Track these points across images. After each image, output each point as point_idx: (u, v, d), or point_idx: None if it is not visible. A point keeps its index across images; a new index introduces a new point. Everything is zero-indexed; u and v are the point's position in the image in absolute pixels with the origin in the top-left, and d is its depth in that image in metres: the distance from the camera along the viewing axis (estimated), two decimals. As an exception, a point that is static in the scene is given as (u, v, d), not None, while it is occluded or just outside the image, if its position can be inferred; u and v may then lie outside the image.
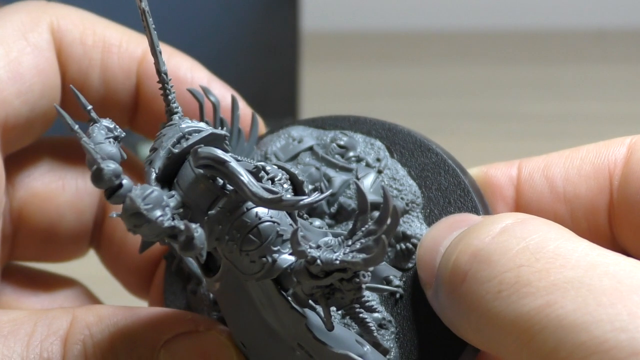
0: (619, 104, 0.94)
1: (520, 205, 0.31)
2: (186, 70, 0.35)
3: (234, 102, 0.30)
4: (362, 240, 0.23)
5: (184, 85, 0.33)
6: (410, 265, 0.29)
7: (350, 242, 0.24)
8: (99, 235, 0.38)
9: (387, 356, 0.28)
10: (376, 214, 0.31)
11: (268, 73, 0.76)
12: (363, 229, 0.24)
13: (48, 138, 0.37)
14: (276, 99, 0.79)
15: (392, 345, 0.29)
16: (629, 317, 0.21)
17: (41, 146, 0.37)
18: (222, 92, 0.34)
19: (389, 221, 0.23)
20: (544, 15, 1.22)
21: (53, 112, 0.34)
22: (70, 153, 0.37)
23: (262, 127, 0.34)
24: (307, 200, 0.24)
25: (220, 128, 0.30)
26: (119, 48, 0.35)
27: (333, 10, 1.20)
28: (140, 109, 0.35)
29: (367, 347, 0.27)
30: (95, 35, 0.35)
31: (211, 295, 0.32)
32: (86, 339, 0.29)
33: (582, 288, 0.22)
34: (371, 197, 0.30)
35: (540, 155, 0.32)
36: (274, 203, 0.24)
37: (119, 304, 0.50)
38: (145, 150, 0.72)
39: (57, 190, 0.36)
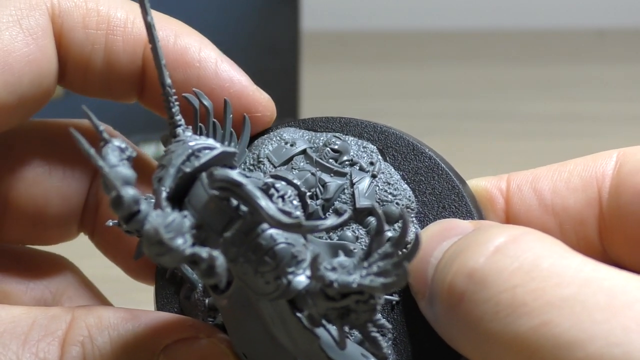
0: (619, 104, 0.94)
1: (510, 218, 0.31)
2: (194, 53, 0.34)
3: (226, 105, 0.30)
4: (380, 264, 0.23)
5: (192, 70, 0.33)
6: None
7: (366, 264, 0.23)
8: (92, 221, 0.37)
9: None
10: (371, 219, 0.31)
11: (268, 73, 0.76)
12: (380, 251, 0.23)
13: (35, 122, 0.37)
14: (276, 99, 0.78)
15: (389, 352, 0.29)
16: (622, 332, 0.22)
17: (28, 130, 0.36)
18: (230, 75, 0.33)
19: (409, 245, 0.23)
20: (544, 15, 1.22)
21: (43, 98, 0.34)
22: (58, 138, 0.36)
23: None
24: (326, 225, 0.24)
25: (213, 132, 0.30)
26: (123, 29, 0.34)
27: (333, 10, 1.20)
28: (147, 86, 0.35)
29: None
30: (99, 16, 0.34)
31: (206, 301, 0.31)
32: (85, 341, 0.29)
33: (577, 306, 0.22)
34: (365, 202, 0.30)
35: (529, 169, 0.32)
36: (294, 228, 0.24)
37: (116, 304, 0.50)
38: (146, 150, 0.72)
39: (44, 175, 0.36)
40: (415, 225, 0.30)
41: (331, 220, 0.24)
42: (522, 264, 0.24)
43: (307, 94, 0.82)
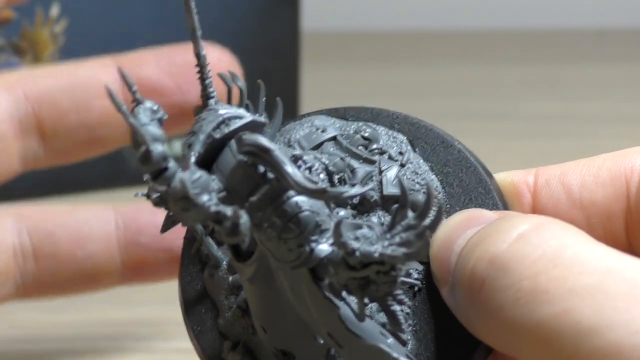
0: (619, 104, 0.94)
1: (537, 212, 0.31)
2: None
3: (260, 88, 0.30)
4: (403, 235, 0.23)
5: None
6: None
7: (389, 236, 0.24)
8: None
9: (404, 348, 0.28)
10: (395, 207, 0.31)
11: (268, 73, 0.76)
12: (403, 223, 0.24)
13: None
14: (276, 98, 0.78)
15: (409, 338, 0.29)
16: None
17: None
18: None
19: (431, 216, 0.23)
20: (544, 15, 1.22)
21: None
22: None
23: None
24: (351, 192, 0.24)
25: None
26: None
27: (333, 10, 1.20)
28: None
29: (391, 339, 0.27)
30: None
31: (230, 278, 0.32)
32: None
33: (599, 294, 0.23)
34: (393, 189, 0.30)
35: (557, 164, 0.32)
36: (318, 194, 0.24)
37: (116, 303, 0.50)
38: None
39: None
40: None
41: (356, 189, 0.25)
42: (545, 251, 0.24)
43: (307, 94, 0.82)
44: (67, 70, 0.41)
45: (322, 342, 0.28)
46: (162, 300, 0.53)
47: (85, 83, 0.40)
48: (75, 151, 0.41)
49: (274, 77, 0.76)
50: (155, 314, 0.53)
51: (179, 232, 0.34)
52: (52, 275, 0.42)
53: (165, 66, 0.42)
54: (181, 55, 0.43)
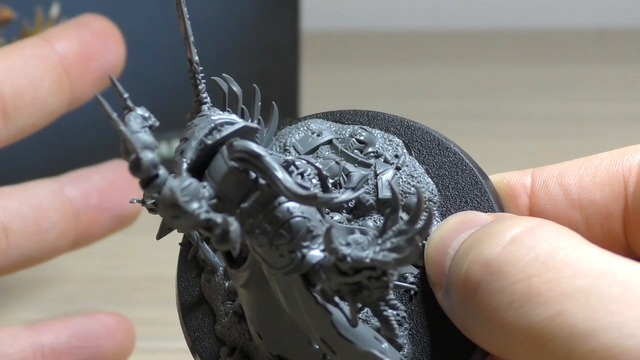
0: (619, 104, 0.94)
1: (535, 213, 0.31)
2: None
3: (255, 92, 0.30)
4: (393, 240, 0.23)
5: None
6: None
7: (380, 241, 0.24)
8: None
9: (400, 352, 0.28)
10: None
11: (268, 73, 0.76)
12: (394, 228, 0.24)
13: None
14: (276, 99, 0.78)
15: (405, 342, 0.29)
16: (636, 323, 0.22)
17: None
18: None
19: (421, 221, 0.23)
20: (544, 15, 1.22)
21: None
22: None
23: None
24: (341, 198, 0.24)
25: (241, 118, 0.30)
26: None
27: (333, 10, 1.20)
28: None
29: (385, 344, 0.27)
30: None
31: (226, 284, 0.32)
32: None
33: (592, 296, 0.23)
34: (388, 193, 0.30)
35: (554, 164, 0.32)
36: (308, 199, 0.24)
37: (116, 304, 0.50)
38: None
39: None
40: (437, 219, 0.30)
41: (346, 194, 0.25)
42: (538, 254, 0.24)
43: (307, 94, 0.82)
44: (15, 51, 0.42)
45: (317, 347, 0.28)
46: (162, 300, 0.53)
47: (35, 59, 0.41)
48: (31, 125, 0.42)
49: (273, 77, 0.76)
50: (155, 314, 0.53)
51: (122, 194, 0.35)
52: (22, 249, 0.42)
53: (86, 34, 0.43)
54: (99, 22, 0.45)
